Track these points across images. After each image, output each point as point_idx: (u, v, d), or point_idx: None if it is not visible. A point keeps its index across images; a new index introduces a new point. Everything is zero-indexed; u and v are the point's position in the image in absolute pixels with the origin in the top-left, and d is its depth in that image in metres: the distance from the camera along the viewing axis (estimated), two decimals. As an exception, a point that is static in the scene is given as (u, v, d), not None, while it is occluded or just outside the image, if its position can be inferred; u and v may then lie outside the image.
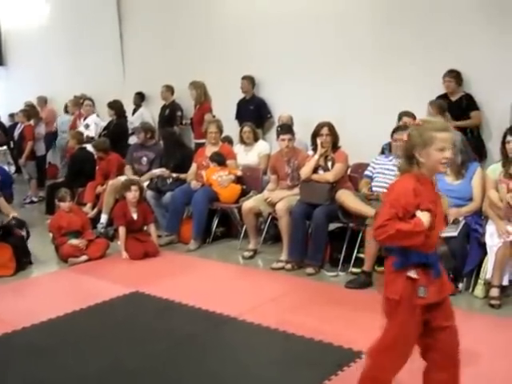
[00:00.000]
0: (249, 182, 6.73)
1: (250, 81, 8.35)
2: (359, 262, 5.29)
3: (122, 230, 6.10)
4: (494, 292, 4.62)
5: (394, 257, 2.69)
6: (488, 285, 4.66)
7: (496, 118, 6.48)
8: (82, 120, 9.30)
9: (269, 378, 3.48)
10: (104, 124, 8.99)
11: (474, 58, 6.57)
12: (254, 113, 8.22)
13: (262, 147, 7.24)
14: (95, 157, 7.77)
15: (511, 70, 6.34)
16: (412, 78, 6.94)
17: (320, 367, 3.57)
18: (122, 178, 6.98)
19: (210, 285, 5.23)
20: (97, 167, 7.72)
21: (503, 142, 4.91)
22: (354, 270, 5.36)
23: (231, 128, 7.86)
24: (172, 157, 7.13)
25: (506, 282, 4.65)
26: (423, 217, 2.57)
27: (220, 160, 6.62)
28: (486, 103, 6.60)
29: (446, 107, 6.42)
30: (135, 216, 6.15)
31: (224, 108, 8.26)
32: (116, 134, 8.43)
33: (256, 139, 7.27)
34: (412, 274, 2.62)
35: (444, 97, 6.79)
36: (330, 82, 7.60)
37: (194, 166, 6.86)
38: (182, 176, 6.95)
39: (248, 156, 7.17)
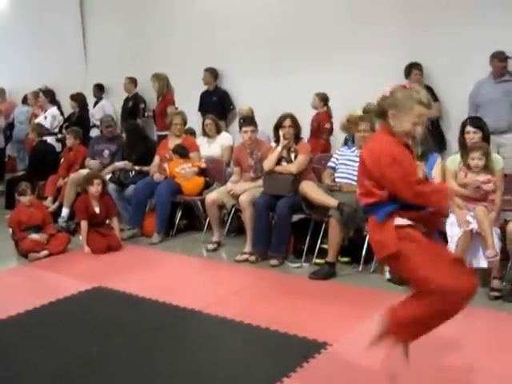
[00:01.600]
0: (212, 174, 6.68)
1: (211, 73, 8.28)
2: (323, 253, 5.28)
3: (83, 224, 5.98)
4: (456, 280, 4.66)
5: (373, 214, 2.63)
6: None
7: (455, 110, 6.55)
8: (42, 112, 9.10)
9: (234, 371, 3.44)
10: (62, 117, 8.82)
11: (433, 49, 6.62)
12: (217, 104, 8.16)
13: (225, 139, 7.20)
14: (56, 149, 7.60)
15: (468, 62, 6.43)
16: (373, 70, 6.94)
17: (285, 359, 3.54)
18: (84, 172, 6.84)
19: (173, 278, 5.17)
20: (62, 159, 7.56)
21: (462, 133, 4.95)
22: (318, 260, 5.35)
23: (194, 120, 7.80)
24: (135, 149, 7.02)
25: (466, 271, 4.71)
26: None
27: (183, 152, 6.54)
28: (445, 95, 6.68)
29: (328, 98, 6.85)
30: (97, 210, 6.03)
31: (187, 100, 8.18)
32: (78, 126, 8.26)
33: (218, 131, 7.22)
34: (399, 221, 2.57)
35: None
36: (292, 72, 7.58)
37: (156, 159, 6.78)
38: (145, 168, 6.85)
39: (211, 148, 7.12)
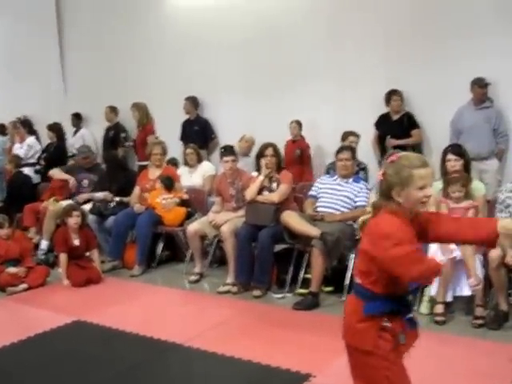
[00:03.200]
0: (193, 204, 6.71)
1: (192, 101, 8.36)
2: (306, 283, 5.32)
3: (62, 257, 5.98)
4: (439, 309, 4.72)
5: (364, 301, 2.44)
6: (433, 301, 4.77)
7: (436, 136, 6.68)
8: (19, 143, 9.11)
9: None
10: (39, 147, 8.85)
11: (415, 77, 6.76)
12: (198, 133, 8.23)
13: (207, 168, 7.25)
14: (33, 180, 7.63)
15: (449, 88, 6.55)
16: (354, 97, 7.10)
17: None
18: (64, 203, 6.86)
19: (154, 311, 5.17)
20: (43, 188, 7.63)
21: (443, 160, 5.05)
22: (301, 290, 5.38)
23: (176, 149, 7.85)
24: (114, 180, 7.05)
25: (450, 299, 4.78)
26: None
27: (170, 184, 6.54)
28: (426, 121, 6.81)
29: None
30: (77, 242, 6.03)
31: (168, 129, 8.26)
32: (56, 156, 8.32)
33: (200, 160, 7.27)
34: (386, 322, 2.41)
35: (386, 116, 6.98)
36: (273, 101, 7.68)
37: (137, 189, 6.80)
38: (125, 199, 6.88)
39: (192, 178, 7.16)
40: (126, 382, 3.79)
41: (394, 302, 2.42)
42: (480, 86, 6.35)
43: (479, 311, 4.67)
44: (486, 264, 4.66)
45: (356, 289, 2.54)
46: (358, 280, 2.52)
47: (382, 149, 6.81)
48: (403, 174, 2.37)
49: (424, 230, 2.48)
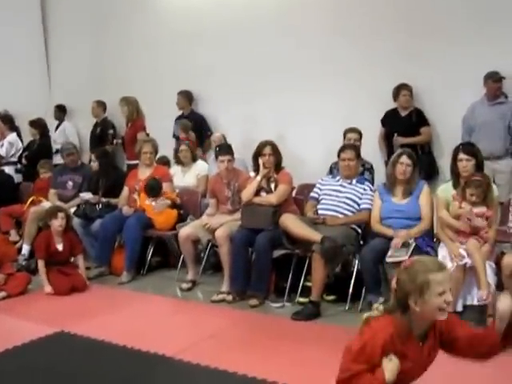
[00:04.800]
0: (186, 206, 6.71)
1: (186, 96, 8.37)
2: (306, 291, 5.31)
3: (41, 264, 5.96)
4: (449, 319, 4.72)
5: None
6: (442, 312, 4.76)
7: (447, 134, 6.68)
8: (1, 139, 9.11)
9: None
10: (21, 145, 8.84)
11: (424, 71, 6.76)
12: (192, 130, 8.19)
13: (201, 168, 7.25)
14: (15, 180, 7.61)
15: (461, 84, 6.56)
16: (360, 93, 7.11)
17: (264, 409, 3.56)
18: (46, 205, 6.86)
19: (144, 321, 5.16)
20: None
21: (454, 160, 5.04)
22: (301, 299, 5.38)
23: (168, 147, 7.85)
24: (107, 179, 7.05)
25: (460, 308, 4.75)
26: (388, 365, 2.45)
27: (155, 191, 6.52)
28: (437, 119, 6.81)
29: (189, 127, 7.40)
30: (60, 247, 6.03)
31: (160, 126, 8.25)
32: (40, 154, 8.31)
33: (194, 159, 7.27)
34: None
35: (394, 112, 6.98)
36: (272, 97, 7.69)
37: (125, 190, 6.80)
38: (113, 201, 6.88)
39: (185, 177, 7.17)
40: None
41: None
42: (494, 81, 6.34)
43: (491, 321, 4.67)
44: (498, 271, 4.66)
45: None
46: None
47: (389, 147, 6.81)
48: (419, 280, 2.36)
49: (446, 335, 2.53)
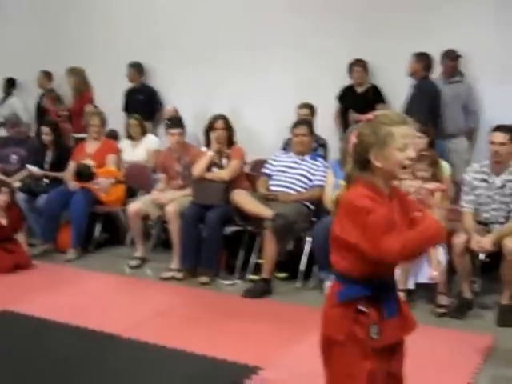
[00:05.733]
0: (136, 181, 6.69)
1: (136, 68, 8.28)
2: (258, 269, 5.38)
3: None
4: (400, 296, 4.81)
5: (340, 285, 2.39)
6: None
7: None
8: None
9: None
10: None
11: (380, 48, 6.81)
12: (143, 104, 8.16)
13: (151, 142, 7.21)
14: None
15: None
16: (315, 68, 7.14)
17: (213, 386, 3.59)
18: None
19: (90, 299, 5.14)
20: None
21: (407, 137, 5.10)
22: (253, 277, 5.44)
23: (118, 121, 7.78)
24: (53, 153, 6.94)
25: (411, 286, 4.87)
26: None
27: (85, 177, 6.38)
28: (393, 95, 6.87)
29: (58, 98, 7.30)
30: (4, 222, 5.94)
31: (109, 98, 8.17)
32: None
33: (144, 133, 7.22)
34: (362, 307, 2.32)
35: (350, 88, 7.03)
36: (225, 71, 7.67)
37: (72, 164, 6.70)
38: (59, 176, 6.79)
39: (135, 152, 7.12)
40: (58, 376, 3.76)
41: (373, 286, 2.32)
42: (451, 59, 6.45)
43: (442, 299, 4.80)
44: (449, 250, 4.78)
45: (334, 272, 2.49)
46: (333, 264, 2.45)
47: (345, 124, 6.87)
48: (381, 132, 2.28)
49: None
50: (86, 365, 3.91)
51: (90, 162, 6.49)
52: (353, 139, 2.37)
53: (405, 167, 2.30)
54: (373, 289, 2.32)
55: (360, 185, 2.31)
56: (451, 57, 6.44)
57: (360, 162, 2.33)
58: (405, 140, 2.27)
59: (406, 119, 2.33)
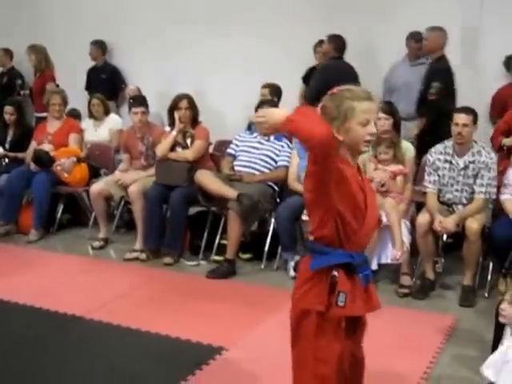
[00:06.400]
0: (99, 161, 6.61)
1: (99, 46, 8.19)
2: (222, 250, 5.37)
3: None
4: (362, 278, 4.85)
5: (311, 258, 2.38)
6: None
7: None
8: None
9: (120, 382, 3.47)
10: None
11: (346, 29, 6.69)
12: (106, 83, 8.09)
13: (114, 122, 7.13)
14: None
15: (383, 43, 6.71)
16: (280, 48, 7.13)
17: (176, 367, 3.60)
18: None
19: (53, 281, 5.09)
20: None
21: (375, 119, 5.12)
22: (217, 258, 5.43)
23: (79, 100, 7.67)
24: (14, 132, 6.84)
25: (374, 267, 4.87)
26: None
27: (44, 164, 6.28)
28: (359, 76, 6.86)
29: None
30: (-37, 203, 5.85)
31: (71, 77, 8.07)
32: None
33: (107, 112, 7.13)
34: (335, 272, 2.31)
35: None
36: (190, 49, 7.62)
37: (33, 144, 6.60)
38: (20, 155, 6.69)
39: (98, 132, 7.03)
40: (22, 357, 3.72)
41: (346, 255, 2.33)
42: (416, 41, 6.45)
43: (405, 280, 4.86)
44: (413, 230, 4.84)
45: (308, 247, 2.48)
46: (310, 237, 2.43)
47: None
48: (344, 105, 2.28)
49: None
50: (47, 347, 3.89)
51: (47, 147, 6.38)
52: (317, 112, 2.36)
53: (367, 141, 2.30)
54: (345, 257, 2.32)
55: None
56: (416, 38, 6.45)
57: None
58: (366, 115, 2.28)
59: (370, 95, 2.34)
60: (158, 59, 7.86)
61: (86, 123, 7.16)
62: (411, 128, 6.17)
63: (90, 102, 7.15)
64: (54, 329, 4.15)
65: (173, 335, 3.97)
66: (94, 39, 8.16)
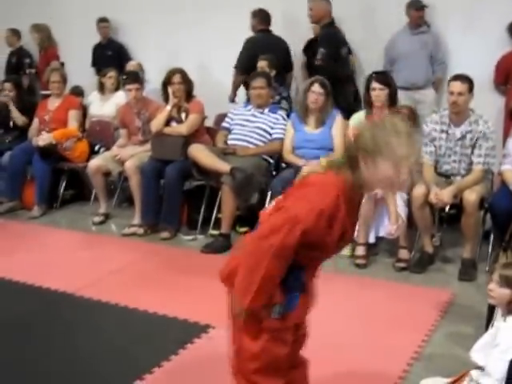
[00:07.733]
0: (99, 137, 6.38)
1: (105, 24, 7.89)
2: (220, 224, 5.13)
3: None
4: (360, 250, 4.62)
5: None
6: (353, 243, 4.61)
7: (372, 63, 6.39)
8: None
9: (104, 360, 3.31)
10: None
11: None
12: (112, 59, 7.77)
13: (120, 98, 6.80)
14: None
15: (384, 12, 6.40)
16: (280, 23, 6.76)
17: (160, 345, 3.43)
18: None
19: (51, 257, 4.91)
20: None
21: (367, 89, 4.85)
22: (214, 232, 5.21)
23: (85, 77, 7.45)
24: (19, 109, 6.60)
25: (372, 240, 4.67)
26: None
27: (50, 155, 6.07)
28: (358, 47, 6.54)
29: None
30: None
31: (76, 54, 7.87)
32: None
33: (117, 88, 6.84)
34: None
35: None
36: (193, 25, 7.33)
37: (35, 121, 6.42)
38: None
39: (104, 107, 6.75)
40: (10, 334, 3.59)
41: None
42: (416, 9, 6.13)
43: (402, 253, 4.61)
44: (409, 203, 4.52)
45: None
46: None
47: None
48: (380, 139, 1.97)
49: None
50: (36, 324, 3.73)
51: (46, 136, 6.09)
52: (350, 134, 2.16)
53: (388, 187, 2.10)
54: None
55: (333, 178, 2.03)
56: (417, 7, 6.13)
57: (350, 159, 2.05)
58: (404, 160, 1.97)
59: (412, 134, 2.03)
60: (160, 35, 7.58)
61: (93, 97, 6.94)
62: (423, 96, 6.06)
63: (104, 75, 6.87)
64: (43, 306, 3.99)
65: (160, 312, 3.78)
66: (99, 16, 7.88)
